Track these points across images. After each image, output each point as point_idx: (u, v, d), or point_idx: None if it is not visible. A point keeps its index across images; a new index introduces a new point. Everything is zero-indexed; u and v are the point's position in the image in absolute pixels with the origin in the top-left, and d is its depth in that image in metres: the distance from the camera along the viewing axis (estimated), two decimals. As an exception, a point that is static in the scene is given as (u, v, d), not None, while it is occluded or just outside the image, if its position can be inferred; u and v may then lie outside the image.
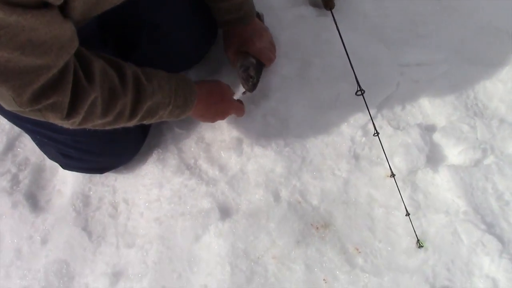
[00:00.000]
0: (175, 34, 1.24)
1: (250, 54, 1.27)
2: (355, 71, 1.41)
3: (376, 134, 1.13)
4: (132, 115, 0.96)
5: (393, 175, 1.14)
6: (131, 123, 0.99)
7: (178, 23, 1.23)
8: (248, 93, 1.29)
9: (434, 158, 1.30)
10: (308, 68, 1.39)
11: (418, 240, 1.19)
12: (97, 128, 0.94)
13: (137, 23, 1.20)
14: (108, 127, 0.96)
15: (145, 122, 1.03)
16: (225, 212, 1.25)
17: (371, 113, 1.35)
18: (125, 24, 1.20)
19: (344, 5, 1.48)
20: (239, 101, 1.29)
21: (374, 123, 1.33)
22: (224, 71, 1.40)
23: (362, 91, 1.17)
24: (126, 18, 1.16)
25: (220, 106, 1.20)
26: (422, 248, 1.19)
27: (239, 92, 1.33)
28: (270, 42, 1.34)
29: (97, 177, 1.35)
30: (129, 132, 1.18)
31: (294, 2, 1.48)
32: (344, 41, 1.46)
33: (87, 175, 1.35)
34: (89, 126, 0.90)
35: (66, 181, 1.37)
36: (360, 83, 1.40)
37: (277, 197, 1.26)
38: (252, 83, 1.25)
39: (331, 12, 1.41)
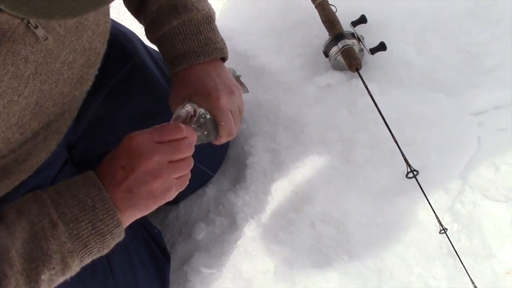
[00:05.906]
0: None
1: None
2: (413, 136, 1.09)
3: (444, 232, 0.82)
4: None
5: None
6: None
7: None
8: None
9: None
10: (353, 148, 1.06)
11: None
12: None
13: None
14: None
15: None
16: None
17: (455, 187, 0.99)
18: None
19: (381, 59, 1.16)
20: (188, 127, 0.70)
21: (463, 197, 0.99)
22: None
23: (415, 173, 0.94)
24: None
25: (140, 179, 0.63)
26: None
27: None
28: (239, 106, 0.82)
29: None
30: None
31: (314, 71, 1.18)
32: (390, 100, 1.15)
33: None
34: None
35: None
36: (426, 150, 1.06)
37: None
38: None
39: (359, 74, 1.12)
